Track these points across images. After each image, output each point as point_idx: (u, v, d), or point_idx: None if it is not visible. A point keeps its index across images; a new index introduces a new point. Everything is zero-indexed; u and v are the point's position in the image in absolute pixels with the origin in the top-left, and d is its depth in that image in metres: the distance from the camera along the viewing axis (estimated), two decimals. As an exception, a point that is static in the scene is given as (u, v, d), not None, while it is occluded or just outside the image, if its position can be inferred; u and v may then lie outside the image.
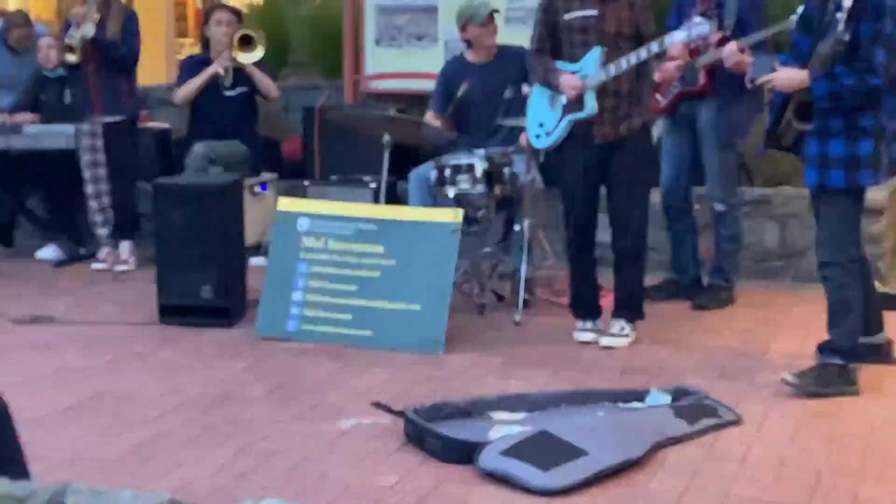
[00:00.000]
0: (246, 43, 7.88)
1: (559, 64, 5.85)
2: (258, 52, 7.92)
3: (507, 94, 6.70)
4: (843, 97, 4.98)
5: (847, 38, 4.88)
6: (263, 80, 7.96)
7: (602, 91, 5.71)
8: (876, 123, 5.03)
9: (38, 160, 8.11)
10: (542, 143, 6.03)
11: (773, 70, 5.22)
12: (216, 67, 7.87)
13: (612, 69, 5.64)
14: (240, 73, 7.93)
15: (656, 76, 6.39)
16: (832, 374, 5.13)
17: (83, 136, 7.63)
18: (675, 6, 6.59)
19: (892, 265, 7.21)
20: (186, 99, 7.93)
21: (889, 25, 4.89)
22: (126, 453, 4.50)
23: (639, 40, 5.71)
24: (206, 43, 8.25)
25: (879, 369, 5.45)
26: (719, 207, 6.69)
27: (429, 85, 7.70)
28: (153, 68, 9.45)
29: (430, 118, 7.14)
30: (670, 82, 6.50)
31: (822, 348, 5.23)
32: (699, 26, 5.52)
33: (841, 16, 4.88)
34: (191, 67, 8.26)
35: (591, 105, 5.70)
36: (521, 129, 6.51)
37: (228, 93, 7.94)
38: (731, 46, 5.65)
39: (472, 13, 6.93)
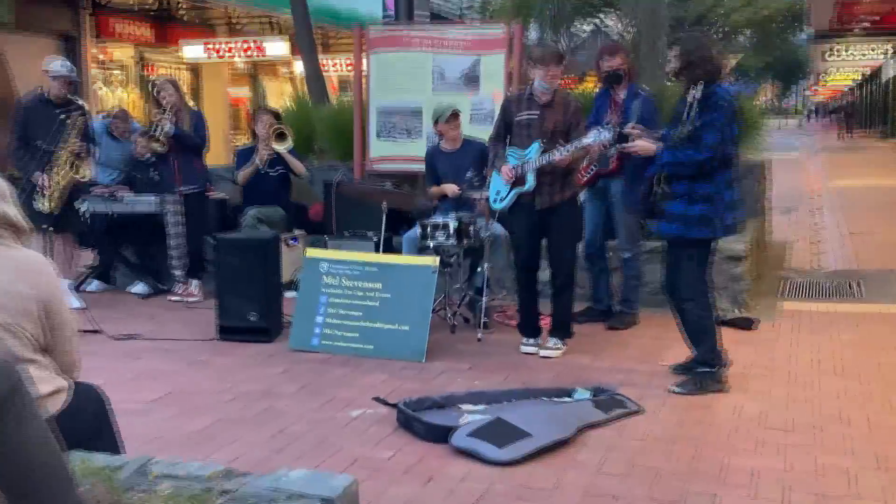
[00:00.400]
0: (281, 137, 8.00)
1: (513, 150, 5.88)
2: (289, 143, 8.02)
3: (469, 174, 6.69)
4: (682, 165, 5.06)
5: (691, 126, 5.02)
6: (294, 163, 8.06)
7: (541, 171, 5.76)
8: (709, 191, 5.09)
9: (132, 220, 8.12)
10: (498, 206, 6.04)
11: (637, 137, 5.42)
12: (260, 158, 7.95)
13: (547, 157, 5.69)
14: (278, 158, 8.03)
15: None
16: (706, 378, 5.20)
17: (168, 203, 7.66)
18: (595, 109, 6.64)
19: (751, 296, 7.24)
20: (244, 181, 8.05)
21: (719, 117, 5.02)
22: (193, 434, 4.58)
23: (569, 136, 5.73)
24: (254, 135, 8.34)
25: (739, 375, 5.48)
26: (626, 255, 6.74)
27: (416, 166, 7.75)
28: (215, 153, 9.48)
29: (433, 189, 7.14)
30: (589, 166, 6.53)
31: (695, 361, 5.29)
32: (603, 133, 5.55)
33: (690, 110, 5.05)
34: (243, 154, 8.30)
35: (530, 181, 5.78)
36: (480, 199, 6.57)
37: (270, 172, 8.03)
38: (642, 141, 5.60)
39: (440, 113, 6.97)
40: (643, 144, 5.36)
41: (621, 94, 6.58)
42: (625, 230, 6.70)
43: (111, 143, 8.58)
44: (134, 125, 9.05)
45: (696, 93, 5.06)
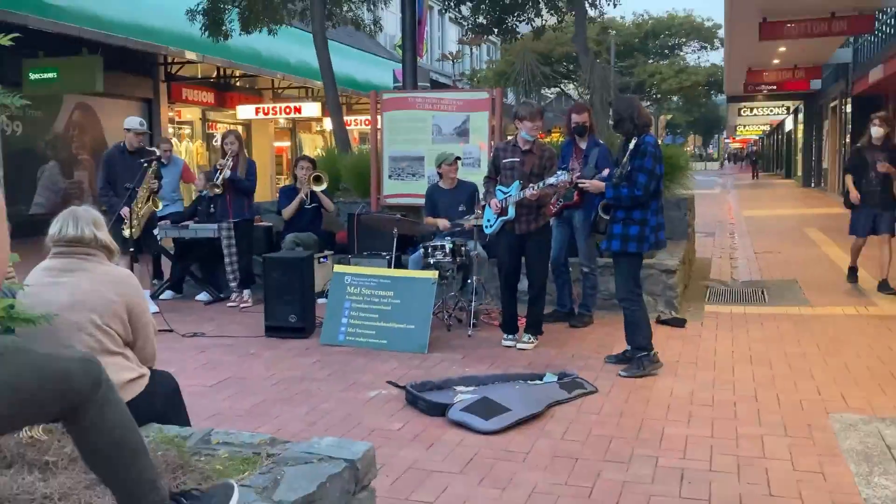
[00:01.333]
0: (317, 180, 8.00)
1: (500, 187, 5.90)
2: (324, 185, 8.02)
3: (462, 208, 6.78)
4: (621, 199, 5.23)
5: (627, 168, 5.20)
6: (325, 201, 8.02)
7: (519, 204, 5.78)
8: (641, 217, 5.24)
9: (197, 243, 8.09)
10: (488, 231, 6.03)
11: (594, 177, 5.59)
12: (301, 195, 7.94)
13: (525, 192, 5.71)
14: (313, 196, 8.04)
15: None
16: (643, 361, 5.26)
17: (223, 230, 7.62)
18: (561, 156, 6.59)
19: (681, 301, 7.21)
20: (289, 216, 8.04)
21: (648, 162, 5.17)
22: (245, 411, 4.57)
23: (543, 177, 5.71)
24: (294, 177, 8.34)
25: (673, 363, 5.51)
26: (585, 269, 6.72)
27: (420, 201, 7.75)
28: (262, 192, 9.51)
29: (427, 219, 7.18)
30: (557, 200, 6.46)
31: (633, 349, 5.36)
32: (562, 175, 5.61)
33: (627, 155, 5.23)
34: (284, 192, 8.27)
35: (511, 212, 5.81)
36: (472, 226, 6.56)
37: (307, 207, 8.03)
38: (596, 182, 5.49)
39: (445, 158, 7.06)
40: (595, 184, 5.50)
41: (583, 145, 6.62)
42: (585, 250, 6.68)
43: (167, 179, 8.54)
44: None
45: (630, 143, 5.24)
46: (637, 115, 5.25)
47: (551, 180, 5.66)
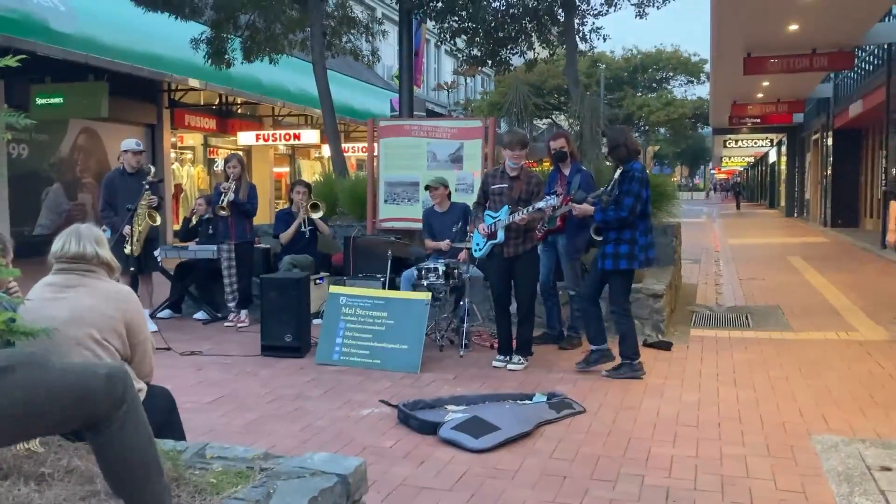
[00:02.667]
0: (315, 207, 7.99)
1: (489, 213, 5.93)
2: (321, 212, 8.03)
3: (454, 229, 6.76)
4: (609, 221, 5.56)
5: (616, 192, 5.52)
6: (322, 226, 8.02)
7: (508, 228, 5.81)
8: (631, 236, 5.56)
9: (196, 264, 8.09)
10: (478, 254, 6.06)
11: (584, 202, 5.82)
12: (299, 221, 7.92)
13: (514, 217, 5.75)
14: (310, 220, 8.05)
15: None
16: (626, 367, 5.64)
17: (223, 251, 7.63)
18: (548, 181, 6.62)
19: (668, 325, 7.21)
20: (286, 240, 8.04)
21: (635, 186, 5.50)
22: (241, 427, 4.54)
23: (531, 202, 5.76)
24: (291, 201, 8.31)
25: (659, 385, 5.51)
26: (571, 293, 6.71)
27: (414, 224, 7.81)
28: (262, 215, 9.49)
29: (428, 242, 7.19)
30: (541, 225, 6.41)
31: (621, 355, 5.72)
32: (550, 200, 5.75)
33: (615, 181, 5.56)
34: (281, 216, 8.24)
35: (500, 235, 5.83)
36: (462, 249, 6.62)
37: (304, 230, 8.03)
38: (584, 206, 5.73)
39: (437, 182, 7.13)
40: (584, 208, 5.80)
41: (566, 171, 6.67)
42: (570, 273, 6.67)
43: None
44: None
45: (618, 170, 5.59)
46: (627, 144, 5.58)
47: (540, 204, 5.74)
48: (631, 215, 5.46)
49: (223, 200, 7.49)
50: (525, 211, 5.73)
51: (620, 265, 5.56)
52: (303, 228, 7.98)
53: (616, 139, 5.65)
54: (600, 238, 5.63)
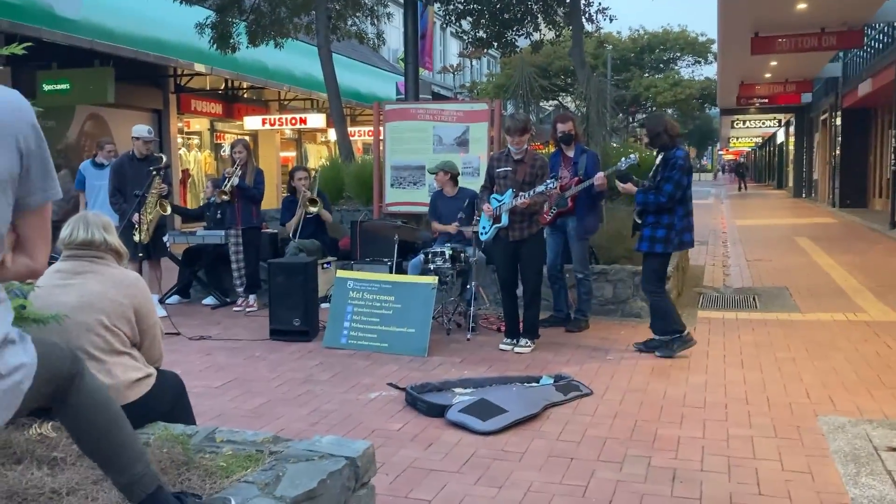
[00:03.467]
0: (313, 202, 7.95)
1: (494, 196, 5.93)
2: (318, 207, 7.89)
3: (461, 214, 6.79)
4: (648, 204, 5.64)
5: (658, 178, 5.63)
6: (324, 214, 8.03)
7: (512, 212, 5.82)
8: (669, 221, 5.63)
9: (204, 249, 8.13)
10: (483, 238, 6.10)
11: (629, 181, 5.88)
12: (300, 214, 7.91)
13: (517, 200, 5.77)
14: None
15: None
16: (674, 343, 5.72)
17: (231, 237, 7.65)
18: (551, 164, 6.50)
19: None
20: (291, 229, 8.04)
21: (676, 174, 5.57)
22: (250, 411, 4.56)
23: (535, 185, 5.77)
24: (292, 189, 8.16)
25: (666, 367, 5.55)
26: (579, 276, 6.68)
27: (420, 208, 7.82)
28: (269, 200, 9.51)
29: (435, 225, 7.17)
30: (550, 209, 6.48)
31: (660, 333, 5.81)
32: (550, 183, 5.73)
33: (657, 167, 5.66)
34: (287, 204, 8.24)
35: (505, 219, 5.86)
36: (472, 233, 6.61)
37: (309, 216, 7.97)
38: (629, 186, 5.75)
39: (436, 168, 7.13)
40: (628, 187, 5.85)
41: (570, 153, 6.67)
42: (579, 255, 6.67)
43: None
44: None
45: (659, 157, 5.68)
46: (667, 131, 5.63)
47: (540, 188, 5.76)
48: (670, 202, 5.56)
49: (226, 185, 7.49)
50: (528, 194, 5.74)
51: (656, 248, 5.64)
52: (308, 215, 7.99)
53: (655, 127, 5.68)
54: (640, 221, 5.70)
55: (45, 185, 1.72)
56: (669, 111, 37.87)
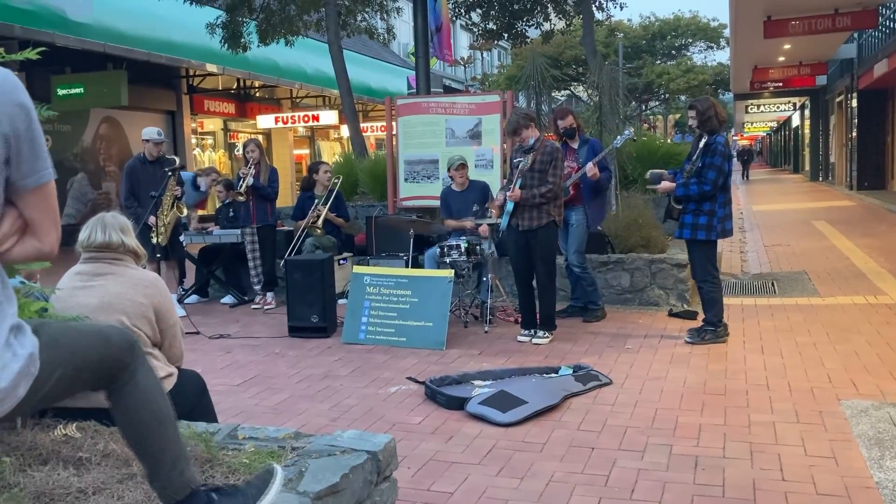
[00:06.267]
0: (319, 229, 7.97)
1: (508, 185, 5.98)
2: (320, 233, 7.81)
3: (475, 208, 6.79)
4: (691, 196, 5.58)
5: (699, 165, 5.54)
6: (337, 221, 7.98)
7: (516, 204, 5.84)
8: (710, 208, 5.57)
9: (220, 248, 8.15)
10: (501, 227, 6.08)
11: (662, 180, 5.82)
12: (310, 218, 7.81)
13: (506, 192, 5.90)
14: (330, 206, 7.99)
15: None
16: (710, 333, 5.68)
17: (247, 235, 7.68)
18: None
19: (693, 294, 7.18)
20: (297, 227, 8.09)
21: (717, 160, 5.51)
22: (271, 408, 4.57)
23: (547, 172, 5.79)
24: (312, 183, 8.15)
25: (686, 354, 5.52)
26: (575, 269, 6.60)
27: (434, 202, 7.80)
28: (283, 198, 9.52)
29: (448, 222, 7.12)
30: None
31: (705, 321, 5.75)
32: (499, 195, 5.96)
33: (698, 153, 5.57)
34: (301, 199, 8.33)
35: (509, 205, 5.89)
36: (483, 224, 6.61)
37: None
38: (666, 184, 5.72)
39: (451, 163, 7.06)
40: (666, 186, 5.77)
41: (574, 144, 6.71)
42: (575, 248, 6.60)
43: (192, 192, 8.62)
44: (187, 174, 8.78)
45: (700, 142, 5.57)
46: (716, 115, 5.55)
47: (499, 195, 5.99)
48: (714, 189, 5.49)
49: (241, 185, 7.51)
50: (504, 192, 5.86)
51: (699, 236, 5.59)
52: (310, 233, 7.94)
53: (707, 111, 5.55)
54: (680, 207, 5.64)
55: (37, 167, 1.66)
56: (683, 98, 37.61)
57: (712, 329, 5.68)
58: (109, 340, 1.93)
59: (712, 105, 5.61)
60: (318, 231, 7.72)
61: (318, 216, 7.80)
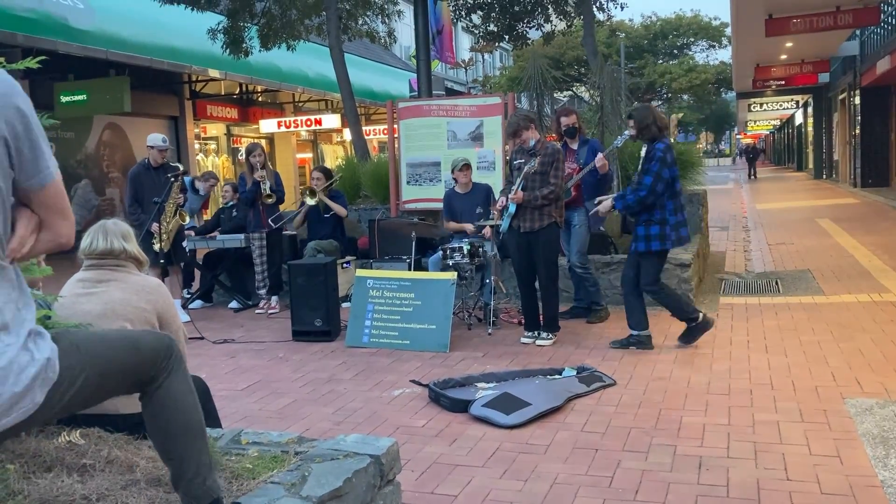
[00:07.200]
0: (311, 193, 7.92)
1: (512, 187, 5.93)
2: (316, 200, 7.81)
3: (478, 210, 6.79)
4: (630, 207, 5.46)
5: (639, 172, 5.46)
6: (335, 207, 7.94)
7: (518, 206, 5.84)
8: (661, 216, 5.44)
9: (224, 253, 8.17)
10: (503, 229, 6.07)
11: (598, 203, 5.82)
12: (304, 210, 7.92)
13: (509, 194, 5.87)
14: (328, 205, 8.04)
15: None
16: (696, 331, 5.63)
17: (255, 240, 7.69)
18: None
19: (696, 293, 7.18)
20: (297, 227, 8.06)
21: (655, 166, 5.35)
22: (275, 412, 4.58)
23: (548, 174, 5.78)
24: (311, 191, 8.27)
25: (690, 353, 5.54)
26: (577, 269, 6.61)
27: (437, 205, 7.80)
28: (288, 202, 9.57)
29: (450, 224, 7.11)
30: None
31: (686, 322, 5.66)
32: (500, 197, 5.98)
33: (640, 162, 5.49)
34: (302, 203, 8.37)
35: (511, 207, 5.88)
36: (486, 227, 6.62)
37: (325, 216, 8.02)
38: (600, 158, 5.86)
39: (456, 164, 7.02)
40: (605, 204, 5.73)
41: (574, 145, 6.72)
42: (577, 249, 6.61)
43: (193, 197, 8.60)
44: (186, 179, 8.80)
45: (642, 150, 5.53)
46: (658, 119, 5.48)
47: (501, 198, 5.96)
48: (650, 195, 5.33)
49: (265, 189, 7.55)
50: (506, 195, 5.85)
51: (652, 247, 5.44)
52: (325, 214, 7.99)
53: (644, 119, 5.47)
54: (633, 220, 5.52)
55: (39, 168, 1.69)
56: (685, 97, 37.57)
57: (693, 326, 5.59)
58: (138, 347, 1.96)
59: (650, 113, 5.51)
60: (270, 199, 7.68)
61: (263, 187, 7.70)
